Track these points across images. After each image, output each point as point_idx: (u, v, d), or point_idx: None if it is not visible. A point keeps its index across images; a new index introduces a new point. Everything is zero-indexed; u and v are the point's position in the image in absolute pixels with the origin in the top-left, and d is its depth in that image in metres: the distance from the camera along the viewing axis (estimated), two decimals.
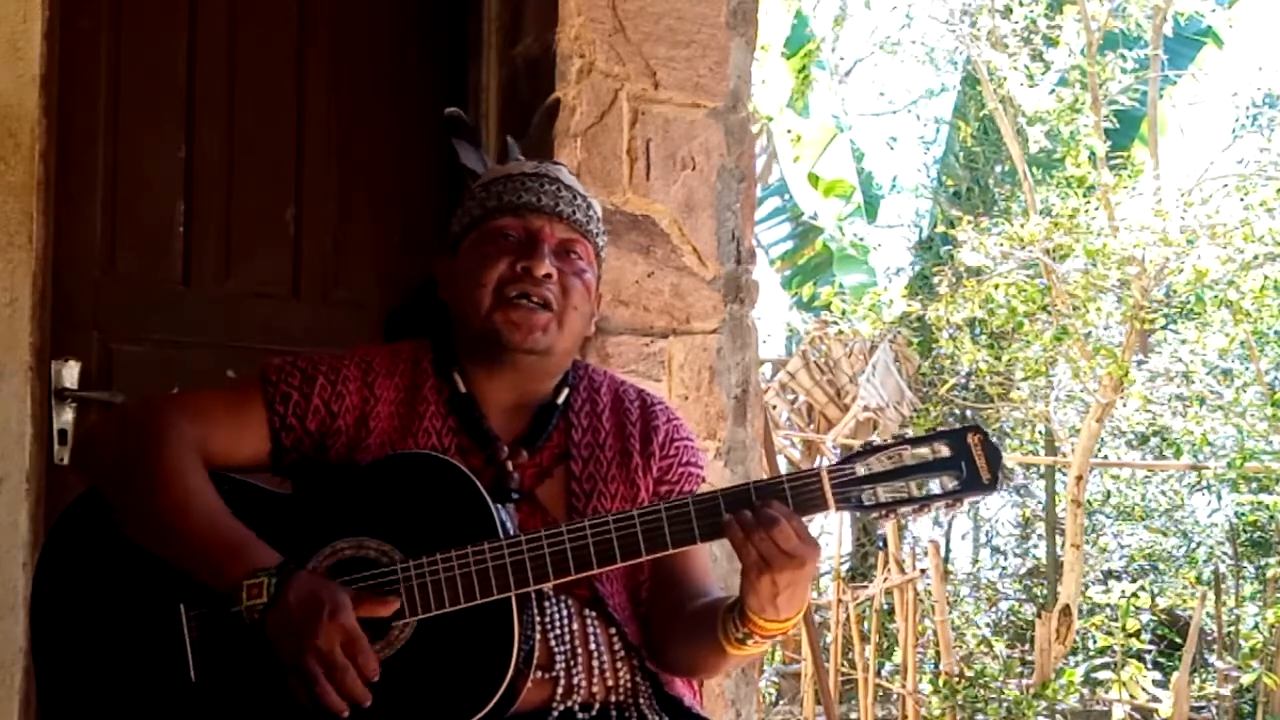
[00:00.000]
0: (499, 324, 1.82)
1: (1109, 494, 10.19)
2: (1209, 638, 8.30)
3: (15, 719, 2.53)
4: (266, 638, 1.63)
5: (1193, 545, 9.81)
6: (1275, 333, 9.12)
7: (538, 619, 1.73)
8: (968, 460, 1.68)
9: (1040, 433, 10.26)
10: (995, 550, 11.05)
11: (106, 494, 1.77)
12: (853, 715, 7.18)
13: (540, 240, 1.85)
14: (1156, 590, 8.99)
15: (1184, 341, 8.50)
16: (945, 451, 1.68)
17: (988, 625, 9.49)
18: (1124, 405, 8.21)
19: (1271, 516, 8.89)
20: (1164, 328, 8.63)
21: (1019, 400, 9.23)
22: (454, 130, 2.04)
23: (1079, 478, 7.83)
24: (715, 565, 2.43)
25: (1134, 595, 7.25)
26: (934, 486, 1.69)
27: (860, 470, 1.69)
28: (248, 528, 1.70)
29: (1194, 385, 8.37)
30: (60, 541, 1.82)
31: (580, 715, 1.76)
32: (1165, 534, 9.98)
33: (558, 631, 1.76)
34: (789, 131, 10.58)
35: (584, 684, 1.76)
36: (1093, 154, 8.30)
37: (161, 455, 1.73)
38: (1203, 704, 7.43)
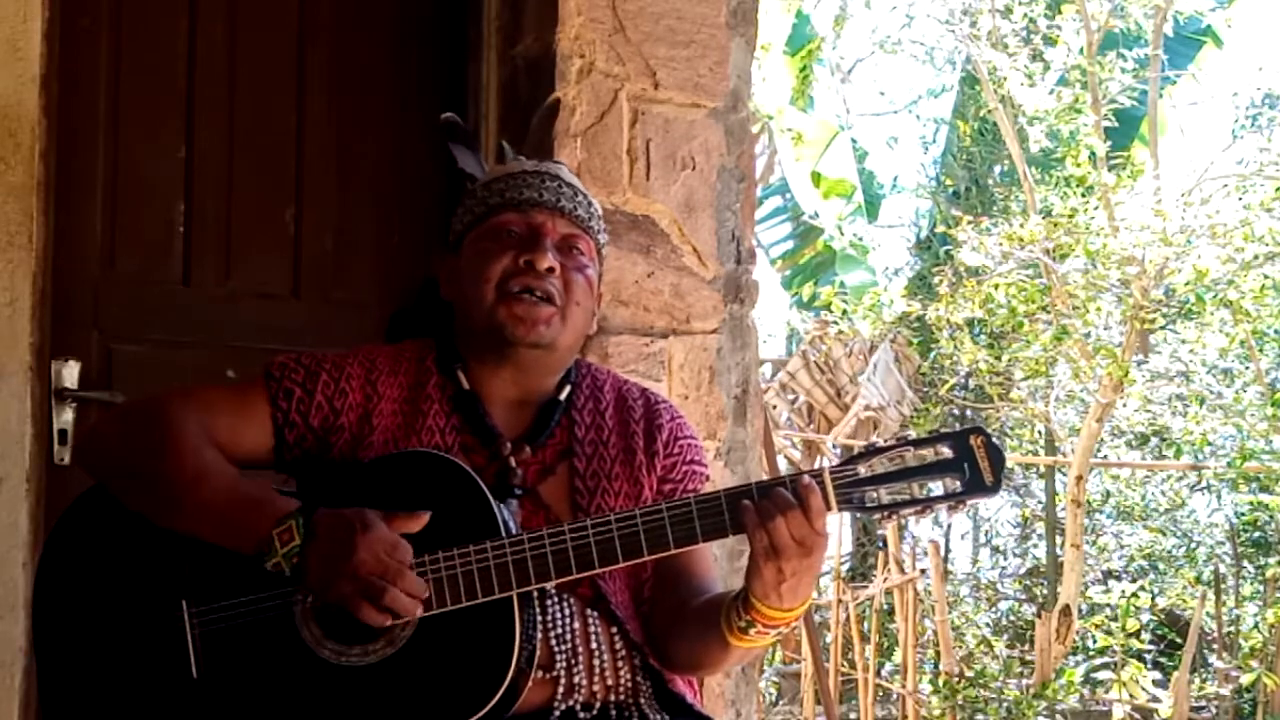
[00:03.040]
0: (503, 318, 1.83)
1: (1109, 494, 10.19)
2: (1209, 638, 8.29)
3: (15, 719, 2.53)
4: (311, 583, 1.64)
5: (1193, 545, 9.81)
6: (1275, 332, 9.11)
7: (539, 618, 1.73)
8: (970, 462, 1.68)
9: (1040, 433, 10.26)
10: (995, 550, 11.04)
11: (117, 482, 1.78)
12: (853, 715, 7.17)
13: (542, 235, 1.86)
14: (1156, 590, 8.98)
15: (1184, 341, 8.49)
16: (947, 453, 1.69)
17: (988, 625, 9.49)
18: (1124, 405, 8.21)
19: (1271, 516, 8.89)
20: (1164, 328, 8.62)
21: (1019, 400, 9.23)
22: (450, 135, 2.05)
23: (1079, 478, 7.83)
24: (715, 565, 2.43)
25: (1134, 595, 7.23)
26: (936, 488, 1.69)
27: (862, 471, 1.69)
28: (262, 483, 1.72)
29: (1194, 385, 8.36)
30: (61, 541, 1.82)
31: (582, 715, 1.76)
32: (1165, 534, 9.97)
33: (559, 631, 1.76)
34: (789, 130, 10.58)
35: (585, 683, 1.76)
36: (1093, 154, 8.30)
37: (172, 433, 1.74)
38: (1203, 704, 7.43)
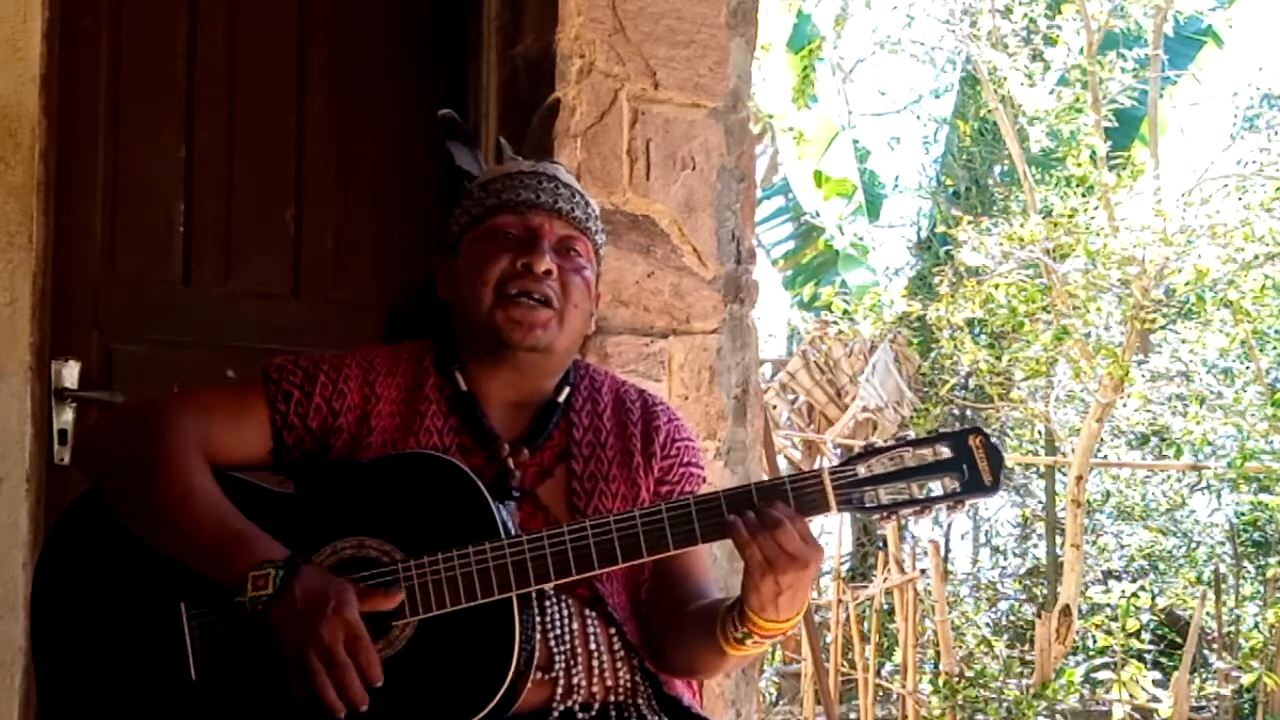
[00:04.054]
0: (500, 322, 1.82)
1: (1109, 494, 10.19)
2: (1209, 638, 8.29)
3: (15, 719, 2.53)
4: (269, 630, 1.62)
5: (1193, 545, 9.81)
6: (1275, 332, 9.11)
7: (538, 619, 1.73)
8: (969, 462, 1.68)
9: (1040, 433, 10.25)
10: (995, 550, 11.04)
11: (110, 491, 1.77)
12: (853, 715, 7.17)
13: (540, 237, 1.86)
14: (1156, 590, 8.98)
15: (1184, 341, 8.49)
16: (946, 453, 1.69)
17: (988, 625, 9.49)
18: (1124, 405, 8.21)
19: (1271, 517, 8.89)
20: (1164, 328, 8.62)
21: (1019, 400, 9.23)
22: (448, 132, 2.04)
23: (1079, 478, 7.83)
24: (715, 566, 2.43)
25: (1134, 595, 7.23)
26: (935, 488, 1.69)
27: (862, 471, 1.69)
28: (253, 523, 1.71)
29: (1194, 385, 8.36)
30: (60, 541, 1.82)
31: (580, 715, 1.76)
32: (1165, 534, 9.97)
33: (558, 632, 1.76)
34: (790, 130, 10.59)
35: (584, 684, 1.76)
36: (1093, 154, 8.30)
37: (165, 451, 1.73)
38: (1203, 704, 7.42)
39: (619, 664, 1.80)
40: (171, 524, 1.70)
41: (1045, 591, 9.55)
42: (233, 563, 1.65)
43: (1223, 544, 9.47)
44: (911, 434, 1.72)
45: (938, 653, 7.21)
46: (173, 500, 1.70)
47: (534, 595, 1.71)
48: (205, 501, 1.71)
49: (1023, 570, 10.57)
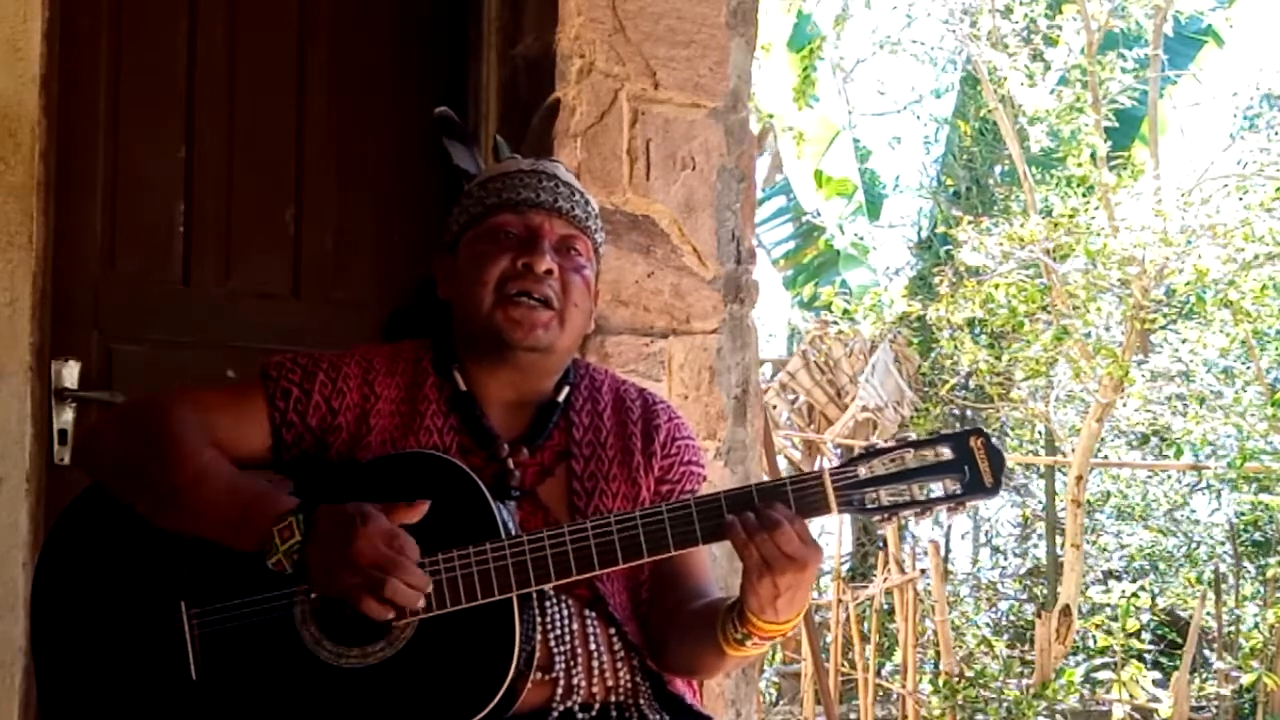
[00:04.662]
0: (500, 322, 1.82)
1: (1109, 494, 10.19)
2: (1209, 638, 8.29)
3: (15, 719, 2.53)
4: (310, 576, 1.64)
5: (1193, 545, 9.81)
6: (1275, 332, 9.11)
7: (538, 619, 1.73)
8: (970, 463, 1.68)
9: (1040, 433, 10.26)
10: (995, 550, 11.04)
11: (116, 485, 1.77)
12: (853, 715, 7.17)
13: (540, 236, 1.86)
14: (1156, 590, 8.99)
15: (1184, 341, 8.49)
16: (947, 454, 1.69)
17: (988, 625, 9.49)
18: (1124, 405, 8.21)
19: (1272, 517, 8.89)
20: (1164, 328, 8.63)
21: (1019, 400, 9.23)
22: (445, 130, 2.03)
23: (1079, 478, 7.83)
24: (715, 566, 2.43)
25: (1134, 595, 7.24)
26: (936, 489, 1.69)
27: (863, 473, 1.69)
28: (260, 480, 1.72)
29: (1194, 385, 8.36)
30: (60, 541, 1.82)
31: (580, 715, 1.76)
32: (1165, 534, 9.97)
33: (558, 632, 1.76)
34: (791, 129, 10.59)
35: (584, 684, 1.76)
36: (1093, 153, 8.30)
37: (172, 433, 1.74)
38: (1203, 704, 7.43)
39: (619, 664, 1.80)
40: (187, 503, 1.71)
41: (1045, 591, 9.56)
42: (254, 524, 1.66)
43: (1223, 544, 9.47)
44: (912, 435, 1.72)
45: (938, 653, 7.21)
46: (186, 480, 1.71)
47: (534, 595, 1.71)
48: (216, 474, 1.72)
49: (1023, 570, 10.57)
